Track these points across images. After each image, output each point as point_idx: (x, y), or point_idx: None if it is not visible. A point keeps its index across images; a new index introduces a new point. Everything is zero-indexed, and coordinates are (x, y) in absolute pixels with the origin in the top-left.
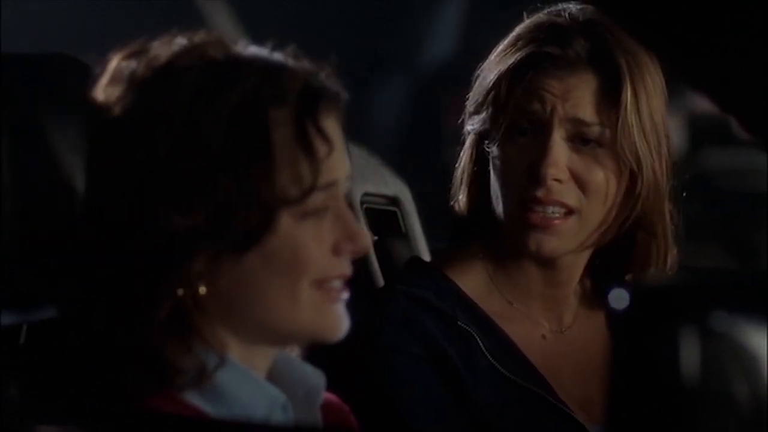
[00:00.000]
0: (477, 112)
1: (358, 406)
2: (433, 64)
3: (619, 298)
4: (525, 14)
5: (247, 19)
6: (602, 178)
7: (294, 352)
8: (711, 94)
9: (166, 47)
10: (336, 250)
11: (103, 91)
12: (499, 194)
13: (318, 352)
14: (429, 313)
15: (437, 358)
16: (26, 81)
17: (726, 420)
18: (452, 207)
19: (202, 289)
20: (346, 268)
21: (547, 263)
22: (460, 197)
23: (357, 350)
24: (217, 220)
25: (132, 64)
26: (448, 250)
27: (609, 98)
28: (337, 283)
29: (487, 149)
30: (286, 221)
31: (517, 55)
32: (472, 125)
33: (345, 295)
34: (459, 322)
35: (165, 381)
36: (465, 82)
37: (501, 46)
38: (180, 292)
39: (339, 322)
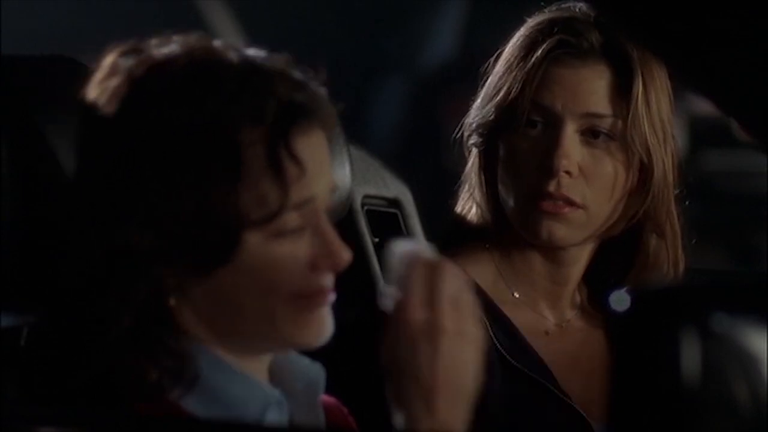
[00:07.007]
0: (487, 111)
1: (363, 408)
2: (434, 65)
3: (620, 300)
4: (525, 17)
5: (247, 19)
6: (611, 172)
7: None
8: (711, 97)
9: (159, 49)
10: (313, 266)
11: (96, 86)
12: (510, 187)
13: (323, 354)
14: None
15: None
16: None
17: (727, 421)
18: (453, 209)
19: (172, 301)
20: (325, 283)
21: (553, 257)
22: (476, 202)
23: (370, 348)
24: (179, 240)
25: (128, 61)
26: (452, 243)
27: (620, 90)
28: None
29: (498, 143)
30: (256, 241)
31: (532, 47)
32: (480, 122)
33: (328, 300)
34: None
35: (142, 390)
36: (466, 83)
37: (514, 40)
38: (149, 303)
39: (320, 330)
